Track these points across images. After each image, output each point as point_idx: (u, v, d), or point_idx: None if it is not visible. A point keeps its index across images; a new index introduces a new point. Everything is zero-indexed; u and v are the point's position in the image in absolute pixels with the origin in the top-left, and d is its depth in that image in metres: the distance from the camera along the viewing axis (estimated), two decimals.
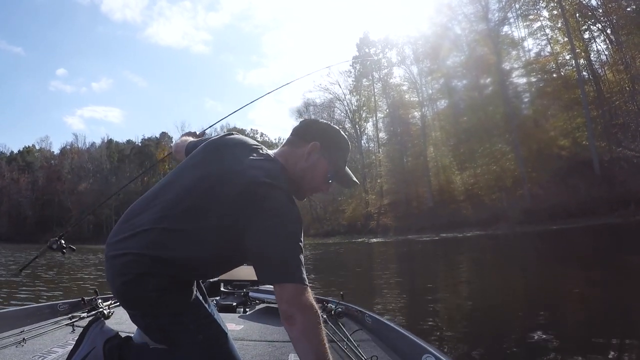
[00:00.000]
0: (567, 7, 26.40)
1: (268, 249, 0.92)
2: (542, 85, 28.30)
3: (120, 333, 1.17)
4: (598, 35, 27.03)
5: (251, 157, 1.06)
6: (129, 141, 65.34)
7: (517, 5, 29.10)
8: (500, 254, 12.60)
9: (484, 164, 29.39)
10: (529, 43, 29.86)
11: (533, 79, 29.16)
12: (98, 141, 64.70)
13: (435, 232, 24.81)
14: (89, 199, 53.82)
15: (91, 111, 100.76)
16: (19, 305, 3.49)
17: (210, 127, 2.27)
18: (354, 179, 1.18)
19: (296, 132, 1.16)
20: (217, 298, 2.95)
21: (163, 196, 1.04)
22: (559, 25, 27.46)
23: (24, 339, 1.76)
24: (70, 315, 2.18)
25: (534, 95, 28.85)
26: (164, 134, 62.59)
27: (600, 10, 26.21)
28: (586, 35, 27.26)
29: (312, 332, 0.87)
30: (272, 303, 2.71)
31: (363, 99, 43.14)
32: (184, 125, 57.77)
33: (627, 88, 24.66)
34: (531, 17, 29.17)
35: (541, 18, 28.78)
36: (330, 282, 7.07)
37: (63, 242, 2.04)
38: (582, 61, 26.51)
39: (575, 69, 26.22)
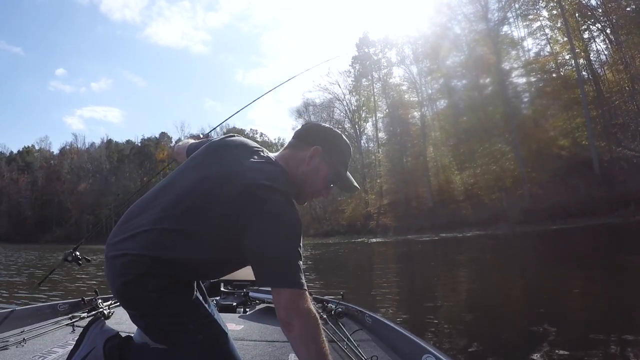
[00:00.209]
0: (566, 6, 26.42)
1: (266, 252, 0.92)
2: (542, 85, 28.34)
3: (120, 333, 1.17)
4: (598, 35, 27.12)
5: (252, 160, 1.06)
6: (128, 141, 65.44)
7: (516, 5, 29.16)
8: (500, 254, 12.60)
9: (484, 164, 29.42)
10: (529, 43, 30.00)
11: (533, 79, 29.25)
12: (97, 141, 64.88)
13: (435, 232, 24.81)
14: (88, 199, 53.86)
15: (91, 111, 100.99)
16: (19, 306, 3.49)
17: (212, 129, 2.26)
18: (355, 183, 1.18)
19: (298, 135, 1.17)
20: (217, 298, 2.94)
21: (163, 197, 1.04)
22: (559, 25, 27.51)
23: (24, 339, 1.76)
24: (70, 316, 2.18)
25: (534, 95, 28.89)
26: (163, 134, 62.65)
27: (600, 10, 26.24)
28: (586, 35, 27.34)
29: (310, 338, 0.88)
30: (272, 303, 2.70)
31: (362, 99, 43.16)
32: (183, 125, 57.91)
33: (627, 88, 24.68)
34: (531, 16, 29.24)
35: (541, 18, 28.87)
36: (330, 282, 7.07)
37: (78, 253, 2.07)
38: (581, 61, 26.54)
39: (574, 68, 26.25)
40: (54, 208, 56.38)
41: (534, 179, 25.03)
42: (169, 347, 1.04)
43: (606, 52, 27.06)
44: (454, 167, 32.37)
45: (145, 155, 59.42)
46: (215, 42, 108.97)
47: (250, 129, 62.87)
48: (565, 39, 26.70)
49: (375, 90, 42.10)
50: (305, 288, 0.90)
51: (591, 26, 26.95)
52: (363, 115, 43.49)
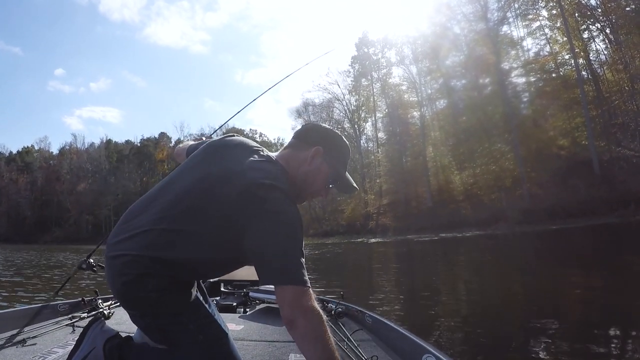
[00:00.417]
0: (566, 6, 26.43)
1: (268, 250, 0.91)
2: (542, 85, 28.37)
3: (120, 333, 1.17)
4: (597, 35, 27.14)
5: (252, 159, 1.06)
6: (127, 141, 65.44)
7: (516, 5, 29.20)
8: (499, 254, 12.59)
9: (483, 163, 29.45)
10: (528, 43, 30.05)
11: (532, 79, 29.28)
12: (97, 141, 64.93)
13: (435, 232, 24.81)
14: (87, 199, 53.89)
15: (90, 111, 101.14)
16: (19, 306, 3.48)
17: (214, 132, 2.26)
18: (354, 184, 1.18)
19: (298, 135, 1.17)
20: (217, 298, 2.94)
21: (162, 197, 1.04)
22: (558, 24, 27.54)
23: (24, 339, 1.76)
24: (70, 316, 2.18)
25: (533, 95, 28.91)
26: (162, 134, 62.66)
27: (600, 10, 26.27)
28: (585, 35, 27.36)
29: (315, 335, 0.86)
30: (273, 303, 2.70)
31: (362, 98, 43.20)
32: (182, 125, 58.13)
33: (627, 87, 24.70)
34: (530, 16, 29.29)
35: (540, 18, 28.91)
36: (330, 282, 7.06)
37: (92, 260, 2.10)
38: (581, 61, 26.55)
39: (574, 68, 26.28)
40: (53, 208, 56.39)
41: (533, 179, 25.03)
42: (169, 347, 1.04)
43: (606, 52, 27.12)
44: (453, 167, 32.38)
45: (145, 155, 59.44)
46: (215, 42, 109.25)
47: (250, 129, 62.97)
48: (565, 38, 26.72)
49: (374, 90, 42.18)
50: (309, 285, 0.89)
51: (591, 26, 26.99)
52: (362, 115, 43.53)
